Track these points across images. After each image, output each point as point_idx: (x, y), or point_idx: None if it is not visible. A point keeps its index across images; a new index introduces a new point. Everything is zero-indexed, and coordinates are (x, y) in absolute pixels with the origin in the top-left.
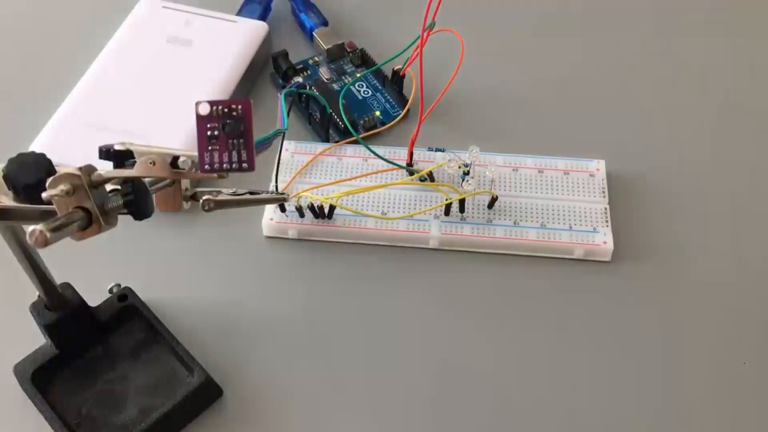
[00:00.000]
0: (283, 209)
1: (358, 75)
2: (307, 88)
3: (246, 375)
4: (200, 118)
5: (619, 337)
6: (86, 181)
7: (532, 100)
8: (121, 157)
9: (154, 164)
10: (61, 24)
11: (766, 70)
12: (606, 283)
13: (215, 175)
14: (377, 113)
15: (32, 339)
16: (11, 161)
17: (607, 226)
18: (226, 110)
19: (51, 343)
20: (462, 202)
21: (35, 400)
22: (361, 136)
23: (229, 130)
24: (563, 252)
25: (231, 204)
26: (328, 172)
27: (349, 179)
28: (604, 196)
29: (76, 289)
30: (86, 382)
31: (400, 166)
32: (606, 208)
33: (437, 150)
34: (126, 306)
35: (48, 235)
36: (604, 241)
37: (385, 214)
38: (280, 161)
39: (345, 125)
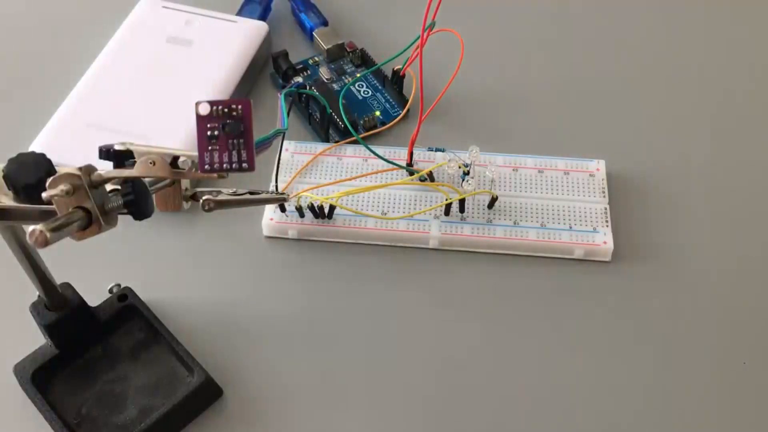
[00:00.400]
0: (283, 209)
1: (358, 75)
2: (307, 88)
3: (246, 375)
4: (200, 118)
5: (619, 337)
6: (86, 181)
7: (532, 100)
8: (121, 157)
9: (154, 164)
10: (61, 24)
11: (766, 70)
12: (606, 283)
13: (215, 175)
14: (377, 113)
15: (32, 339)
16: (11, 161)
17: (607, 226)
18: (226, 110)
19: (51, 343)
20: (462, 202)
21: (35, 400)
22: (361, 136)
23: (229, 130)
24: (563, 252)
25: (231, 204)
26: (328, 172)
27: (349, 179)
28: (604, 196)
29: (76, 289)
30: (86, 382)
31: (400, 166)
32: (606, 208)
33: (437, 150)
34: (126, 306)
35: (48, 235)
36: (604, 241)
37: (385, 214)
38: (280, 161)
39: (345, 125)
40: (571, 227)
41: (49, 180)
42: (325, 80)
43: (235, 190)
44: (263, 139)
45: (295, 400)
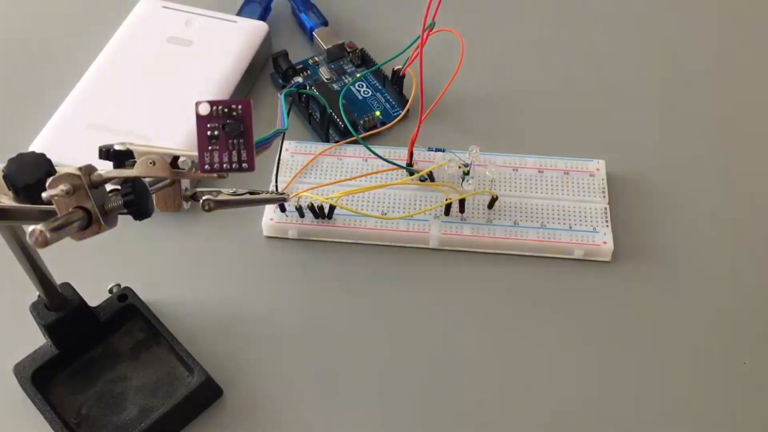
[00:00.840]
0: (283, 209)
1: (358, 75)
2: (307, 88)
3: (246, 375)
4: (200, 118)
5: (618, 337)
6: (86, 181)
7: (532, 100)
8: (121, 157)
9: (154, 164)
10: (61, 24)
11: (766, 70)
12: (606, 283)
13: (215, 175)
14: (377, 113)
15: (32, 339)
16: (11, 161)
17: (607, 226)
18: (226, 110)
19: (51, 343)
20: (462, 202)
21: (35, 400)
22: (361, 136)
23: (229, 130)
24: (563, 252)
25: (231, 204)
26: (328, 172)
27: (349, 179)
28: (604, 196)
29: (76, 289)
30: (86, 382)
31: (400, 166)
32: (606, 208)
33: (437, 150)
34: (126, 306)
35: (48, 235)
36: (604, 241)
37: (385, 214)
38: (280, 161)
39: (345, 125)
40: (571, 227)
41: (49, 180)
42: (325, 80)
43: (235, 190)
44: (263, 139)
45: (295, 400)
